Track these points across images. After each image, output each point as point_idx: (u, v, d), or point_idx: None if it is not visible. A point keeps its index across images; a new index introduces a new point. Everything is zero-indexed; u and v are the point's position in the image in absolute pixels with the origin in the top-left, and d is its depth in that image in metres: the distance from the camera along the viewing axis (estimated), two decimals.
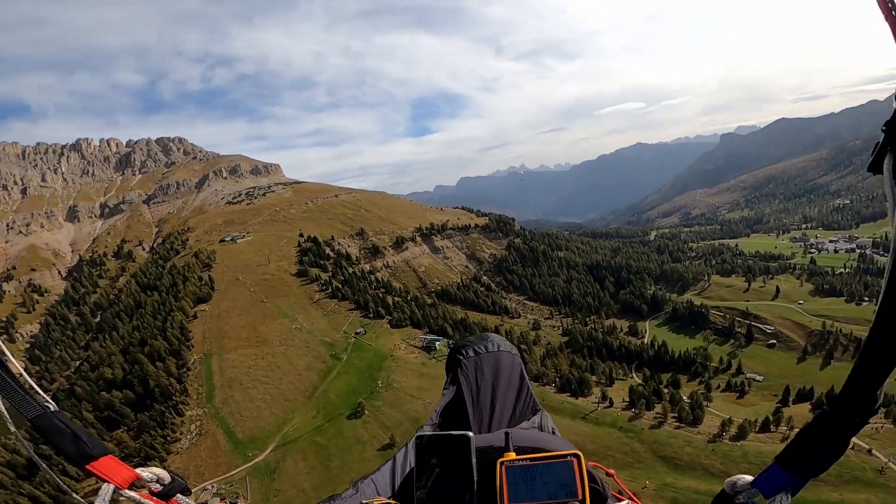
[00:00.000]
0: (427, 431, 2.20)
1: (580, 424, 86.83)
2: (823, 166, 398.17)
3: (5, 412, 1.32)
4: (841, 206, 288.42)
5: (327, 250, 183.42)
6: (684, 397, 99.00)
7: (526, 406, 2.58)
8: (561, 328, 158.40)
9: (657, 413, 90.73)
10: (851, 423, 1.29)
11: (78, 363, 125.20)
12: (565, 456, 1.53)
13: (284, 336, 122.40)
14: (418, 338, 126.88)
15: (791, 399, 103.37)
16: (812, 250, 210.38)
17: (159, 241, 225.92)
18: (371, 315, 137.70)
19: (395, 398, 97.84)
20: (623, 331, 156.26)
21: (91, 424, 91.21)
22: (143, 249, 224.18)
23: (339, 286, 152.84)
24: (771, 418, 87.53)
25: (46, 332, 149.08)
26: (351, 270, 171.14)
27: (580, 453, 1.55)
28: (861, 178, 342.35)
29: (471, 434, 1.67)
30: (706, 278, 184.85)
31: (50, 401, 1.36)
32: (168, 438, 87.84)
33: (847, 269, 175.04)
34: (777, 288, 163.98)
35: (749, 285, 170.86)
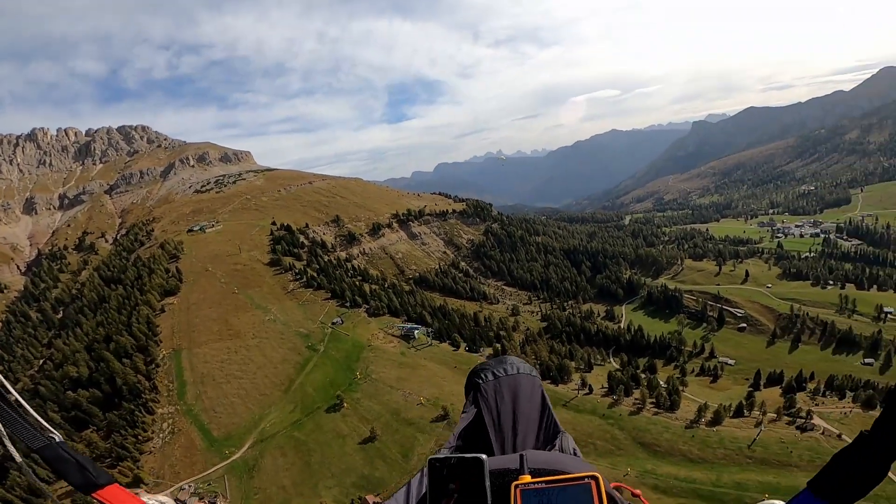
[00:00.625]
0: (443, 454, 2.11)
1: (561, 412, 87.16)
2: (790, 154, 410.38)
3: (11, 446, 1.38)
4: (806, 192, 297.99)
5: (301, 238, 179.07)
6: (661, 382, 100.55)
7: (548, 428, 2.58)
8: (539, 313, 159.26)
9: (636, 399, 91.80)
10: (893, 448, 1.24)
11: (41, 361, 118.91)
12: (583, 478, 1.49)
13: (258, 328, 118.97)
14: (396, 326, 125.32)
15: (762, 383, 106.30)
16: (779, 235, 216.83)
17: (123, 232, 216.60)
18: (348, 304, 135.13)
19: (374, 389, 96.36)
20: (600, 315, 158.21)
21: (58, 425, 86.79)
22: (106, 241, 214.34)
23: (315, 275, 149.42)
24: (744, 403, 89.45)
25: (7, 329, 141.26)
26: (326, 258, 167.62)
27: (598, 475, 1.50)
28: (825, 166, 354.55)
29: (484, 457, 1.64)
30: (679, 262, 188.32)
31: (55, 432, 1.41)
32: (139, 438, 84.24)
33: (812, 253, 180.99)
34: (746, 272, 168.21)
35: (720, 269, 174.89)
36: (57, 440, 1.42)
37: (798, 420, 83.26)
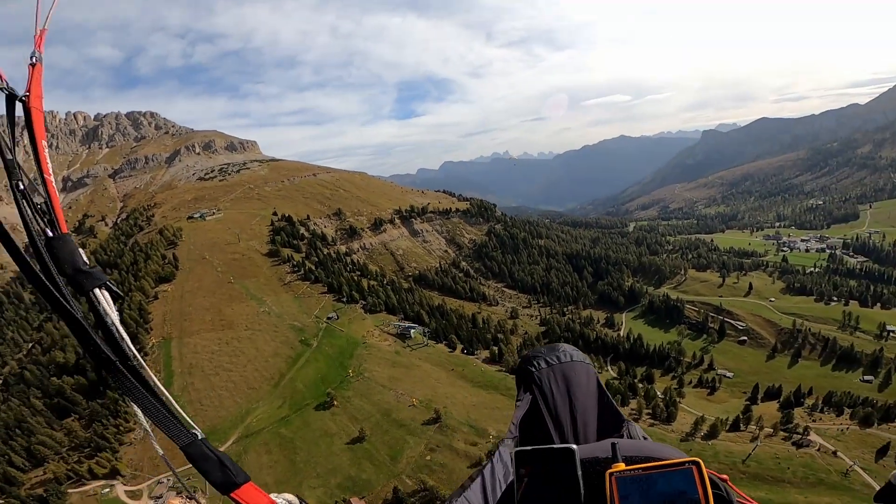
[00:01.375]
0: (510, 445, 2.19)
1: None
2: (800, 166, 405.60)
3: (156, 444, 1.45)
4: (814, 206, 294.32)
5: (302, 230, 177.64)
6: (658, 393, 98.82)
7: (609, 416, 2.56)
8: (539, 317, 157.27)
9: (632, 409, 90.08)
10: None
11: (30, 345, 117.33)
12: (683, 464, 1.43)
13: (251, 320, 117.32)
14: (392, 324, 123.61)
15: (759, 397, 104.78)
16: (784, 248, 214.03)
17: (123, 216, 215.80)
18: (345, 299, 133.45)
19: (366, 388, 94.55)
20: (600, 322, 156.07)
21: (39, 412, 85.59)
22: (106, 225, 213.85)
23: (313, 268, 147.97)
24: (741, 417, 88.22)
25: (0, 311, 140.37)
26: (326, 251, 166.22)
27: (700, 460, 1.42)
28: (835, 180, 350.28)
29: (575, 447, 1.62)
30: (683, 272, 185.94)
31: (196, 427, 1.45)
32: (121, 428, 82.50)
33: (817, 269, 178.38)
34: (750, 284, 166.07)
35: (723, 281, 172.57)
36: (199, 437, 1.44)
37: (795, 436, 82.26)
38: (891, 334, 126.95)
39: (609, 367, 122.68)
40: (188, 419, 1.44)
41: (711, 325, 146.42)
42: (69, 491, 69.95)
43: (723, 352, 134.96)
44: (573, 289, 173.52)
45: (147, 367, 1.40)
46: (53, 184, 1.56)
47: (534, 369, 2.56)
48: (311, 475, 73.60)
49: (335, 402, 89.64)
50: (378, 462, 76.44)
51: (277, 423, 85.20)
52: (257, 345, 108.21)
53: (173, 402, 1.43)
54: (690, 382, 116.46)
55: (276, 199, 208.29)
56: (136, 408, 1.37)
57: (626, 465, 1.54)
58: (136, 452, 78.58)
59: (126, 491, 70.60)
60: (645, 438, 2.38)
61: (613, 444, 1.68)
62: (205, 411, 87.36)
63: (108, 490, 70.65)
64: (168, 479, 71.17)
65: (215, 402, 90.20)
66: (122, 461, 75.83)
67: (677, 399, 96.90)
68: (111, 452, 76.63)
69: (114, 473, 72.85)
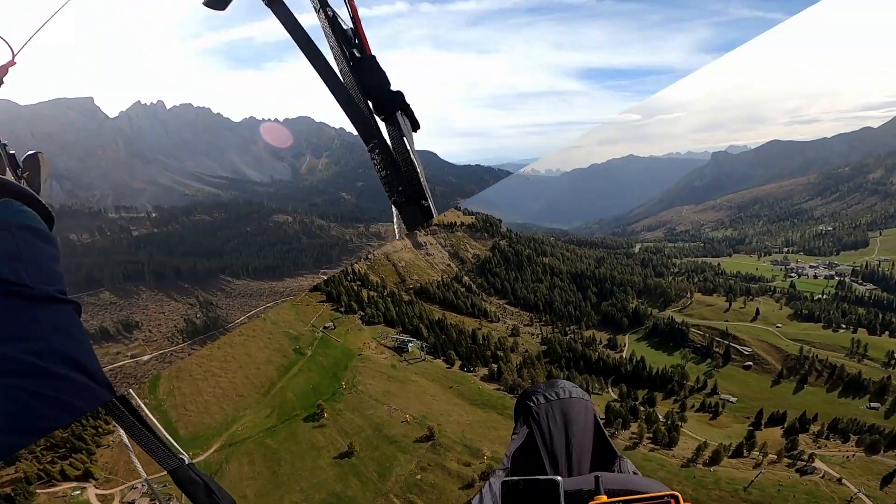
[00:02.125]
0: (501, 476, 2.23)
1: None
2: (810, 191, 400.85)
3: (139, 466, 1.64)
4: (823, 232, 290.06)
5: None
6: (660, 417, 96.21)
7: (603, 453, 2.58)
8: (540, 336, 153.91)
9: (633, 433, 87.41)
10: None
11: None
12: (662, 497, 1.45)
13: (246, 325, 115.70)
14: (390, 337, 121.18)
15: (763, 422, 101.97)
16: (792, 274, 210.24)
17: None
18: (343, 309, 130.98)
19: (358, 401, 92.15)
20: (602, 343, 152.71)
21: None
22: None
23: None
24: (745, 443, 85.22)
25: None
26: None
27: (678, 494, 1.44)
28: (846, 206, 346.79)
29: (559, 479, 1.63)
30: (689, 295, 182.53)
31: (183, 452, 1.50)
32: (100, 430, 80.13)
33: (825, 296, 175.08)
34: (757, 310, 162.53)
35: (730, 305, 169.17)
36: (186, 461, 1.49)
37: (799, 462, 79.50)
38: None
39: (610, 389, 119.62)
40: (176, 445, 1.57)
41: (716, 350, 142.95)
42: (38, 491, 67.79)
43: (727, 377, 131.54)
44: (576, 308, 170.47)
45: (136, 398, 1.53)
46: (357, 10, 1.55)
47: (532, 404, 2.60)
48: (294, 489, 70.95)
49: (325, 415, 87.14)
50: (366, 479, 73.70)
51: (263, 432, 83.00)
52: (250, 351, 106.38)
53: (162, 429, 1.61)
54: (693, 407, 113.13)
55: None
56: (123, 433, 1.60)
57: (608, 497, 1.58)
58: (112, 455, 76.01)
59: (98, 494, 68.23)
60: (635, 473, 2.39)
61: (597, 477, 1.74)
62: (188, 416, 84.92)
63: (78, 493, 68.39)
64: (142, 485, 68.84)
65: (200, 407, 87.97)
66: (96, 464, 73.39)
67: (679, 423, 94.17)
68: (87, 454, 74.25)
69: (87, 476, 70.49)
